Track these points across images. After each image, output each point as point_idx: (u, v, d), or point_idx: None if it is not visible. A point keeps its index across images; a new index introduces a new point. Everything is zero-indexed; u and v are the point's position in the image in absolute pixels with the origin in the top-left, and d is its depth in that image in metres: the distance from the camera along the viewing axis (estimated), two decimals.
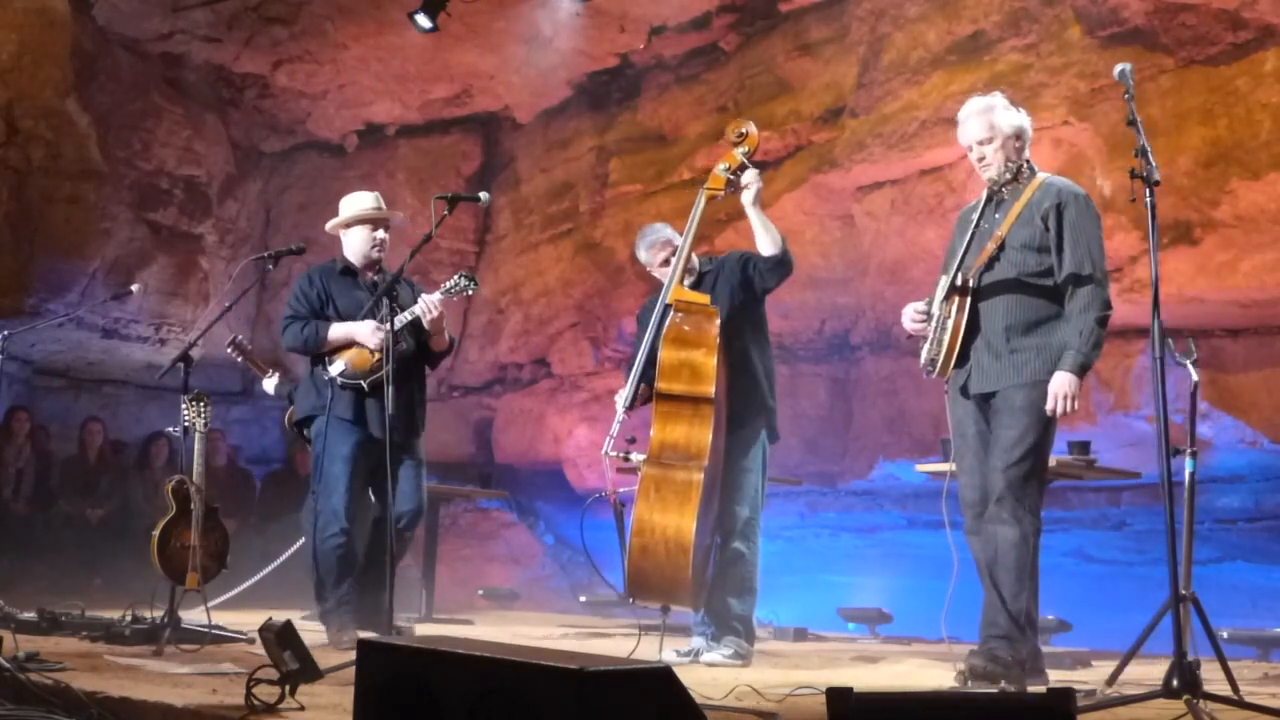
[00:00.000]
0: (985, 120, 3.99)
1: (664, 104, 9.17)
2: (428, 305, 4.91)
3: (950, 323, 3.92)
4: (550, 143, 9.94)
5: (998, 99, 4.07)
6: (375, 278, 5.15)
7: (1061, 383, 3.73)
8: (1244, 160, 5.96)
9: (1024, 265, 3.87)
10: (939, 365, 3.95)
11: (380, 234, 5.14)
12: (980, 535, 3.90)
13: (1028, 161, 4.02)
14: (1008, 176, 3.99)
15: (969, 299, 3.92)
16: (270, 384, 6.75)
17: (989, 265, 3.93)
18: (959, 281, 3.94)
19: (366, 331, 4.93)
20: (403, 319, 4.88)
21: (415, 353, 5.12)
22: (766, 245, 4.55)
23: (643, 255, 4.93)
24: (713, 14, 8.53)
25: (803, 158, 8.15)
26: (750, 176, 4.55)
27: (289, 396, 6.73)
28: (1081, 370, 3.74)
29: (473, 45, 8.81)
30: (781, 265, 4.58)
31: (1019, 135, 3.99)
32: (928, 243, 7.34)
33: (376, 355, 4.88)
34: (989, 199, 4.06)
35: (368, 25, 8.60)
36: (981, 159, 4.01)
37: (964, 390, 3.97)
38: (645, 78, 9.30)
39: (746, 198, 4.54)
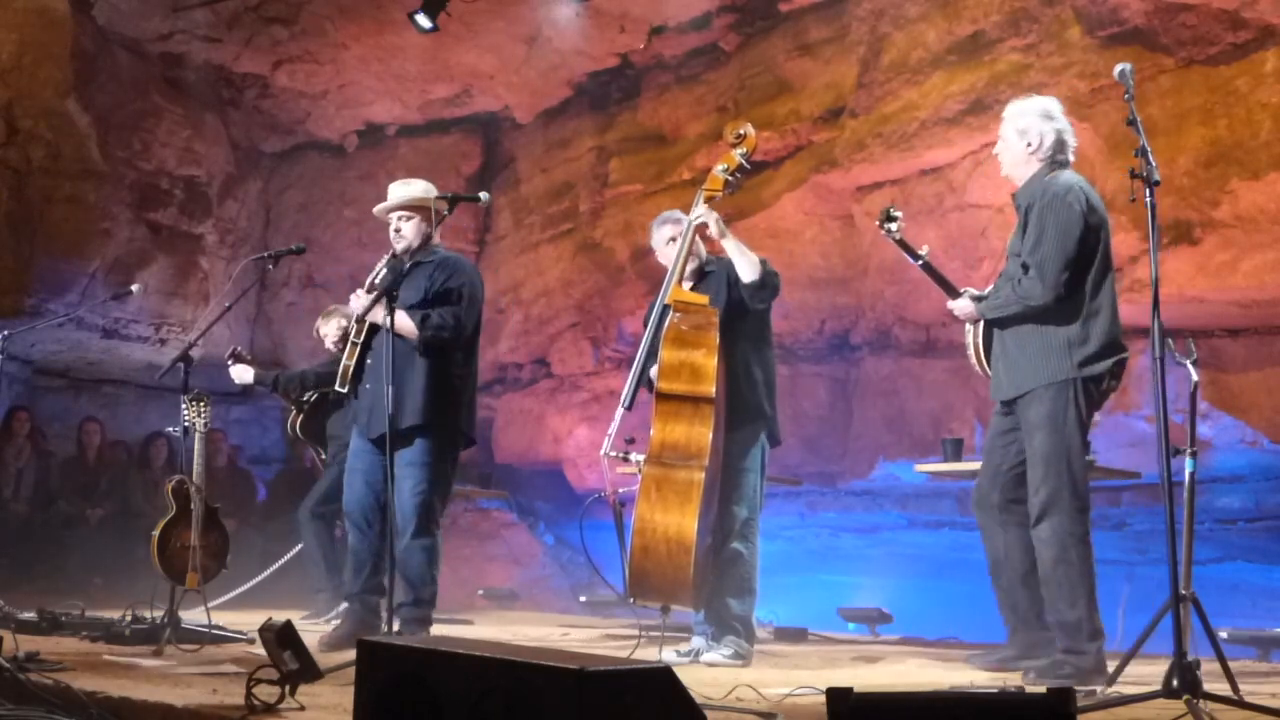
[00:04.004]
0: (1003, 122, 4.23)
1: (664, 104, 9.16)
2: (354, 301, 4.79)
3: (970, 340, 4.29)
4: (550, 143, 9.94)
5: (1027, 104, 4.23)
6: (410, 264, 4.90)
7: (964, 303, 4.24)
8: (1244, 160, 5.96)
9: (1016, 272, 4.09)
10: (981, 375, 4.31)
11: (392, 225, 4.93)
12: (989, 531, 4.23)
13: (1053, 160, 4.12)
14: (1026, 178, 4.16)
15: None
16: (234, 371, 6.34)
17: (1000, 276, 4.23)
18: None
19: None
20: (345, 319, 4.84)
21: (403, 343, 4.72)
22: (746, 272, 4.54)
23: (653, 235, 4.95)
24: (713, 14, 8.53)
25: (803, 158, 8.15)
26: (701, 213, 4.57)
27: (299, 403, 6.68)
28: (980, 315, 4.20)
29: (473, 45, 8.81)
30: (763, 289, 4.55)
31: (1028, 141, 4.13)
32: (928, 242, 7.30)
33: (344, 353, 4.92)
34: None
35: (368, 25, 8.60)
36: (996, 154, 4.30)
37: (996, 399, 4.25)
38: (645, 78, 9.29)
39: (712, 233, 4.54)
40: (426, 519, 4.78)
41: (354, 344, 4.87)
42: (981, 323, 4.25)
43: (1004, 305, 4.07)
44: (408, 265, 4.87)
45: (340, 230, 10.30)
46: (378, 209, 5.03)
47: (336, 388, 4.98)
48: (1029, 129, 4.11)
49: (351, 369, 4.88)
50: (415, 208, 4.92)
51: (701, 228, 4.57)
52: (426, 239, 4.93)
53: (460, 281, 4.93)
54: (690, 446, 4.29)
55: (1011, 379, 4.09)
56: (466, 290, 4.93)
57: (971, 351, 4.28)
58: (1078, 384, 3.95)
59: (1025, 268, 3.99)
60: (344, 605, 5.09)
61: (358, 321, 4.84)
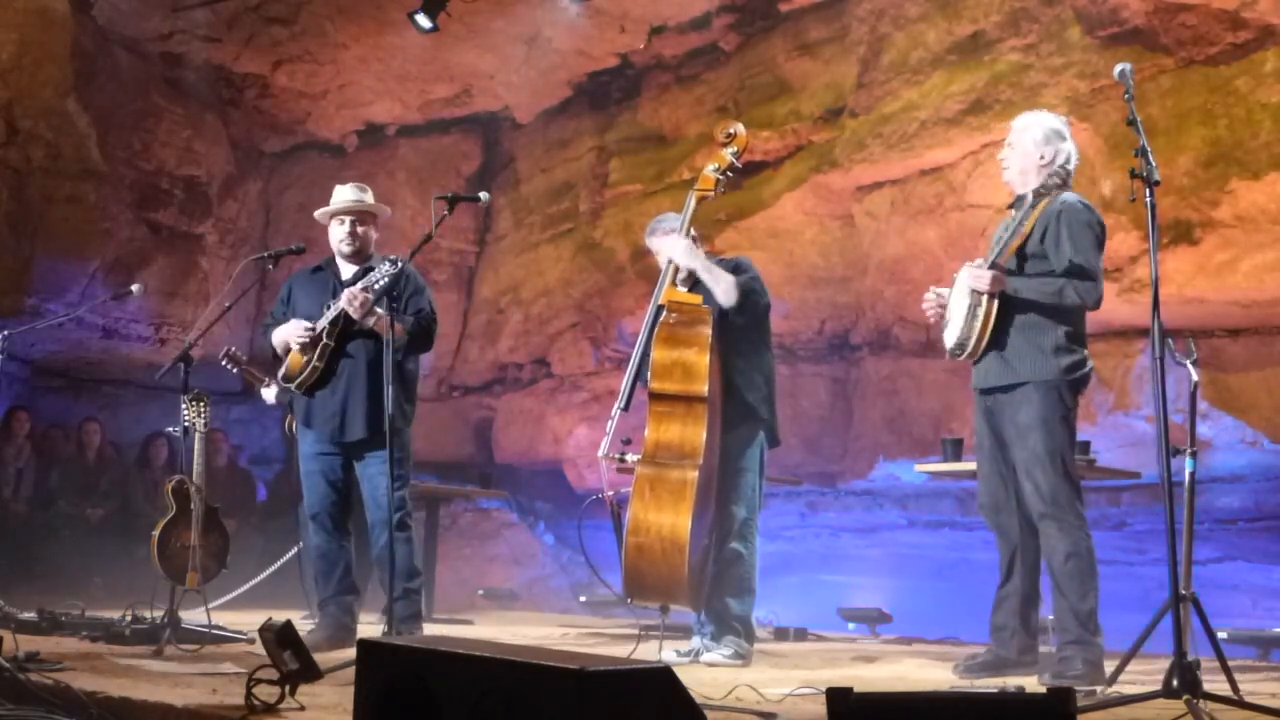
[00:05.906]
0: (1016, 131, 4.24)
1: (664, 104, 9.16)
2: (347, 298, 4.74)
3: (982, 310, 4.05)
4: (550, 143, 9.94)
5: (1042, 119, 4.25)
6: (359, 270, 4.90)
7: (991, 274, 4.00)
8: (1244, 160, 5.96)
9: (1028, 269, 4.07)
10: (969, 349, 4.09)
11: (348, 227, 4.95)
12: (1001, 531, 4.19)
13: (1058, 177, 4.15)
14: (1029, 187, 4.15)
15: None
16: (270, 394, 6.54)
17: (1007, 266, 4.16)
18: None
19: (288, 332, 4.93)
20: (327, 316, 4.80)
21: (373, 346, 4.81)
22: (722, 297, 4.52)
23: (648, 243, 4.95)
24: (713, 14, 8.53)
25: (803, 158, 8.15)
26: (667, 247, 4.58)
27: (290, 405, 6.70)
28: (1012, 289, 4.00)
29: (473, 45, 8.81)
30: (743, 311, 4.53)
31: (1043, 153, 4.14)
32: (928, 243, 7.34)
33: (304, 355, 4.88)
34: (1017, 203, 4.25)
35: (368, 25, 8.60)
36: (1002, 159, 4.29)
37: (978, 389, 4.20)
38: (645, 78, 9.30)
39: (681, 266, 4.53)
40: (404, 514, 4.89)
41: (326, 345, 4.84)
42: (997, 299, 4.05)
43: (1054, 294, 3.98)
44: (358, 270, 4.92)
45: None
46: (322, 213, 5.06)
47: (292, 388, 4.93)
48: (1047, 143, 4.15)
49: (321, 370, 4.86)
50: (372, 214, 5.07)
51: (676, 265, 4.56)
52: (368, 245, 5.04)
53: (423, 294, 5.06)
54: (684, 446, 4.29)
55: (1004, 369, 4.07)
56: (427, 293, 5.09)
57: (979, 325, 4.04)
58: (1063, 386, 4.02)
59: (1077, 269, 3.96)
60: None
61: (332, 324, 4.82)
